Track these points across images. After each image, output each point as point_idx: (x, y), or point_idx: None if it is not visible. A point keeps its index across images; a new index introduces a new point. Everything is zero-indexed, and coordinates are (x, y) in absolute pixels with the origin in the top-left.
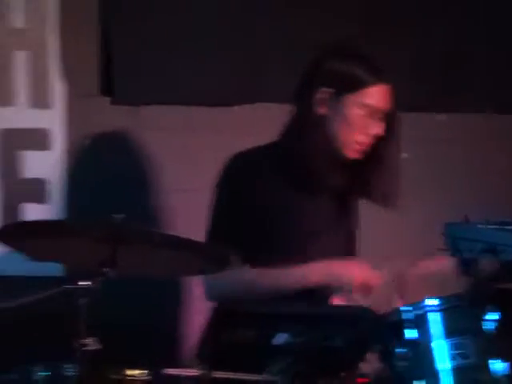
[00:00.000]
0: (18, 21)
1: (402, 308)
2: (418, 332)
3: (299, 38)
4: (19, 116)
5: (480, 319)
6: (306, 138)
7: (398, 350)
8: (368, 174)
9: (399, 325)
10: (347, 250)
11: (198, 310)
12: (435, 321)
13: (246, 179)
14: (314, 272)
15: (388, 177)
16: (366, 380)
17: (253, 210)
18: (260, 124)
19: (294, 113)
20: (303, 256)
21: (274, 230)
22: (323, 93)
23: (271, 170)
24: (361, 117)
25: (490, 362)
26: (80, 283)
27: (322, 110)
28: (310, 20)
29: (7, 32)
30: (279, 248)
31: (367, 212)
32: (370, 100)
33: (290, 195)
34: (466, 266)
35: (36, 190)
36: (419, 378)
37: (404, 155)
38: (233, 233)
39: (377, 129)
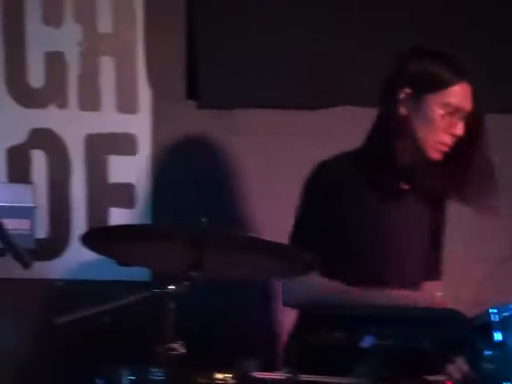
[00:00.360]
0: (105, 26)
1: (491, 310)
2: (506, 334)
3: (382, 40)
4: (106, 121)
5: None
6: (392, 139)
7: (485, 352)
8: (458, 174)
9: (487, 327)
10: (432, 257)
11: (284, 313)
12: None
13: (333, 186)
14: (392, 299)
15: (479, 177)
16: (452, 383)
17: (338, 217)
18: (344, 127)
19: (379, 115)
20: (387, 264)
21: (358, 237)
22: (405, 93)
23: (357, 176)
24: (443, 117)
25: None
26: (168, 287)
27: (404, 111)
28: (392, 22)
29: (95, 37)
30: (364, 256)
31: (458, 213)
32: (451, 99)
33: (376, 202)
34: None
35: (122, 195)
36: (507, 381)
37: (496, 158)
38: (316, 239)
39: (459, 129)
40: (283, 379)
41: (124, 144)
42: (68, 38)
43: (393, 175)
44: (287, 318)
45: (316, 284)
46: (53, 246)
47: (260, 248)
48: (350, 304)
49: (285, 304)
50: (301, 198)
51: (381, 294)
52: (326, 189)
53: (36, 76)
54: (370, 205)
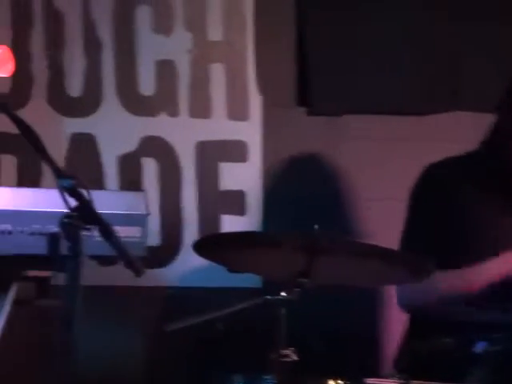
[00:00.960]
0: (215, 34)
1: None
2: None
3: (496, 46)
4: (217, 128)
5: None
6: (510, 146)
7: None
8: None
9: None
10: None
11: (396, 319)
12: None
13: (442, 190)
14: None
15: None
16: None
17: (448, 222)
18: (457, 133)
19: (497, 121)
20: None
21: (469, 242)
22: None
23: (468, 180)
24: None
25: None
26: (280, 294)
27: None
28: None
29: (205, 45)
30: (475, 257)
31: None
32: None
33: (488, 207)
34: None
35: (234, 202)
36: None
37: None
38: (427, 244)
39: None
40: None
41: (235, 151)
42: (178, 46)
43: (507, 181)
44: (397, 325)
45: (433, 286)
46: (164, 254)
47: (372, 254)
48: (466, 296)
49: (400, 305)
50: (410, 200)
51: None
52: (434, 190)
53: (146, 84)
54: (482, 209)
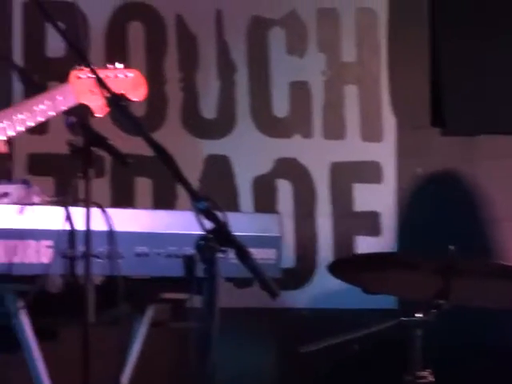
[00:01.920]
0: (349, 55)
1: None
2: None
3: None
4: (351, 149)
5: None
6: None
7: None
8: None
9: None
10: None
11: None
12: None
13: None
14: None
15: None
16: None
17: None
18: None
19: None
20: None
21: None
22: None
23: None
24: None
25: None
26: (416, 315)
27: None
28: None
29: (339, 66)
30: None
31: None
32: None
33: None
34: None
35: (369, 223)
36: None
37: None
38: None
39: None
40: None
41: (369, 172)
42: (312, 68)
43: None
44: None
45: None
46: (299, 275)
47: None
48: None
49: None
50: None
51: None
52: None
53: (280, 106)
54: None
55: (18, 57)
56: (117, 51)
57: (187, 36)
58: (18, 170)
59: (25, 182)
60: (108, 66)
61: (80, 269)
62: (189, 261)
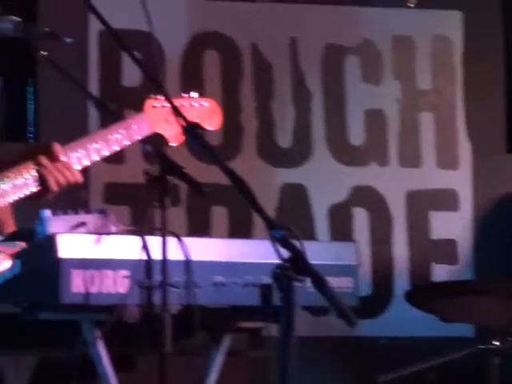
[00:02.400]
0: (424, 82)
1: None
2: None
3: None
4: (427, 177)
5: None
6: None
7: None
8: None
9: None
10: None
11: None
12: None
13: None
14: None
15: None
16: None
17: None
18: None
19: None
20: None
21: None
22: None
23: None
24: None
25: None
26: (493, 343)
27: None
28: None
29: (414, 94)
30: None
31: None
32: None
33: None
34: None
35: (445, 251)
36: None
37: None
38: None
39: None
40: None
41: (445, 200)
42: (387, 95)
43: None
44: None
45: None
46: (376, 304)
47: None
48: None
49: None
50: None
51: None
52: None
53: (356, 134)
54: None
55: (93, 85)
56: (192, 80)
57: (262, 64)
58: (94, 200)
59: (102, 212)
60: (183, 94)
61: (157, 298)
62: (265, 290)
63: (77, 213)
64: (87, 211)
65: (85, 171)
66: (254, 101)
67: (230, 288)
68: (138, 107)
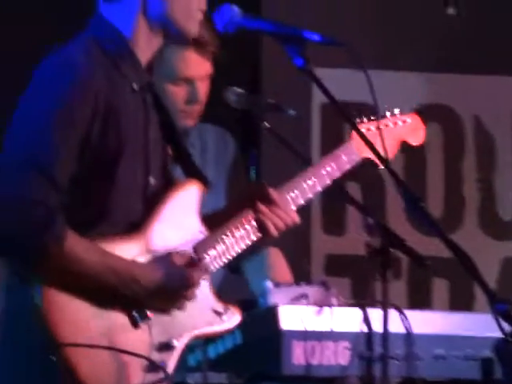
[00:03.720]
0: None
1: None
2: None
3: None
4: None
5: None
6: None
7: None
8: None
9: None
10: None
11: None
12: None
13: None
14: None
15: None
16: None
17: None
18: None
19: None
20: None
21: None
22: None
23: None
24: None
25: None
26: None
27: None
28: None
29: None
30: None
31: None
32: None
33: None
34: None
35: None
36: None
37: None
38: None
39: None
40: None
41: None
42: None
43: None
44: None
45: None
46: None
47: None
48: None
49: None
50: None
51: None
52: None
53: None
54: None
55: (316, 157)
56: (415, 152)
57: (485, 137)
58: (315, 271)
59: (323, 284)
60: (386, 113)
61: (377, 370)
62: (487, 363)
63: (298, 284)
64: (308, 283)
65: (306, 243)
66: (476, 173)
67: (451, 361)
68: None
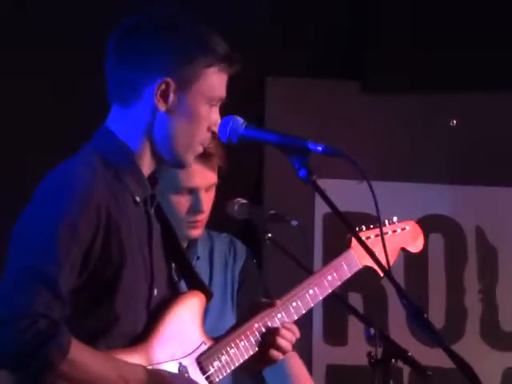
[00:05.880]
0: None
1: None
2: None
3: None
4: None
5: None
6: None
7: None
8: None
9: None
10: None
11: None
12: None
13: None
14: None
15: None
16: None
17: None
18: None
19: None
20: None
21: None
22: None
23: None
24: None
25: None
26: None
27: None
28: None
29: None
30: None
31: None
32: None
33: None
34: None
35: None
36: None
37: None
38: None
39: None
40: None
41: None
42: None
43: None
44: None
45: None
46: None
47: None
48: None
49: None
50: None
51: None
52: None
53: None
54: None
55: (318, 267)
56: (416, 259)
57: (487, 248)
58: (317, 381)
59: None
60: (385, 222)
61: None
62: None
63: None
64: None
65: (307, 353)
66: (478, 283)
67: None
68: None
